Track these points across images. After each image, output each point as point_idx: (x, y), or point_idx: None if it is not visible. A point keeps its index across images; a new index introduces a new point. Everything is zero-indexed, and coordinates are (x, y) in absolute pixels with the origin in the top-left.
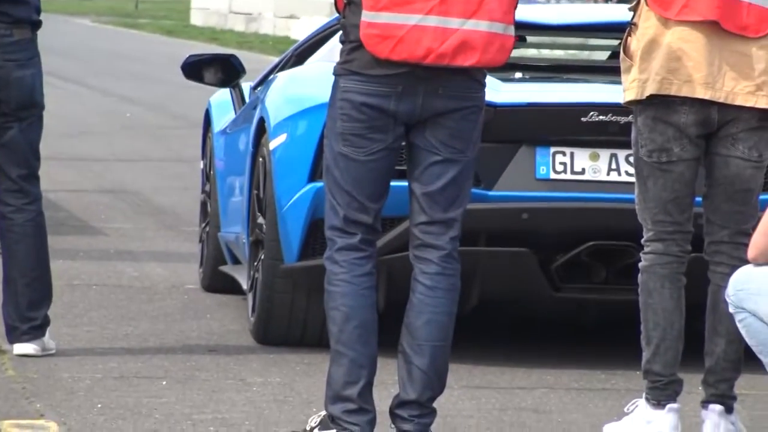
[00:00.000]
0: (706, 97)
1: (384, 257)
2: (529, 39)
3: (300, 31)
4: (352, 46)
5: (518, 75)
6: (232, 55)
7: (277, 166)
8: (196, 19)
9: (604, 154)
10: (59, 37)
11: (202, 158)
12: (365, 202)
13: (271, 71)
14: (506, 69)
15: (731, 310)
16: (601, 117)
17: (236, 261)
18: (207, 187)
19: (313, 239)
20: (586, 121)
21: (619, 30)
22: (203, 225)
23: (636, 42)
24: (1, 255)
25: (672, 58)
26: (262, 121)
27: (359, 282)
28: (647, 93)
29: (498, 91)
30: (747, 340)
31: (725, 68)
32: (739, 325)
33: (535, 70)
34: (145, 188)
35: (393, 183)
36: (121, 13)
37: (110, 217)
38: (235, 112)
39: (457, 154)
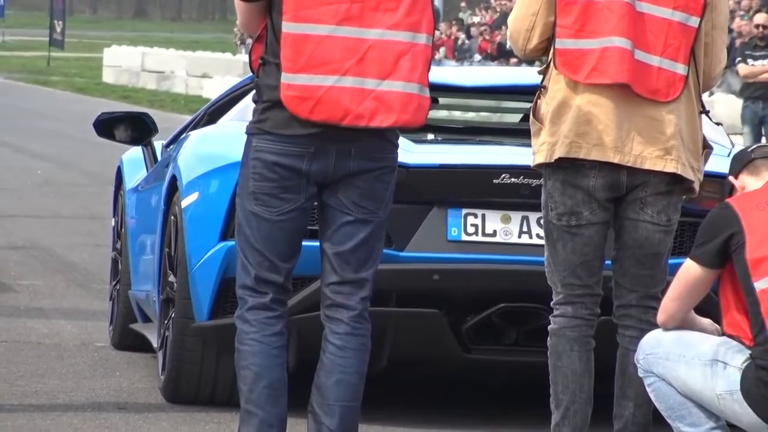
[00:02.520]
0: (615, 160)
1: (295, 317)
2: (442, 101)
3: (212, 90)
4: (266, 105)
5: (430, 136)
6: (145, 114)
7: (188, 225)
8: (108, 76)
9: (516, 216)
10: None
11: (114, 215)
12: (276, 261)
13: (184, 129)
14: (419, 131)
15: (641, 374)
16: (512, 179)
17: (147, 319)
18: (118, 245)
19: (224, 298)
20: (498, 183)
21: (531, 93)
22: (114, 283)
23: (545, 105)
24: None
25: (581, 122)
26: (174, 180)
27: (270, 341)
28: (556, 156)
29: (410, 153)
30: (656, 403)
31: (634, 132)
32: (648, 389)
33: (448, 132)
34: (56, 245)
35: (304, 243)
36: (33, 69)
37: (20, 274)
38: (147, 170)
39: (369, 215)
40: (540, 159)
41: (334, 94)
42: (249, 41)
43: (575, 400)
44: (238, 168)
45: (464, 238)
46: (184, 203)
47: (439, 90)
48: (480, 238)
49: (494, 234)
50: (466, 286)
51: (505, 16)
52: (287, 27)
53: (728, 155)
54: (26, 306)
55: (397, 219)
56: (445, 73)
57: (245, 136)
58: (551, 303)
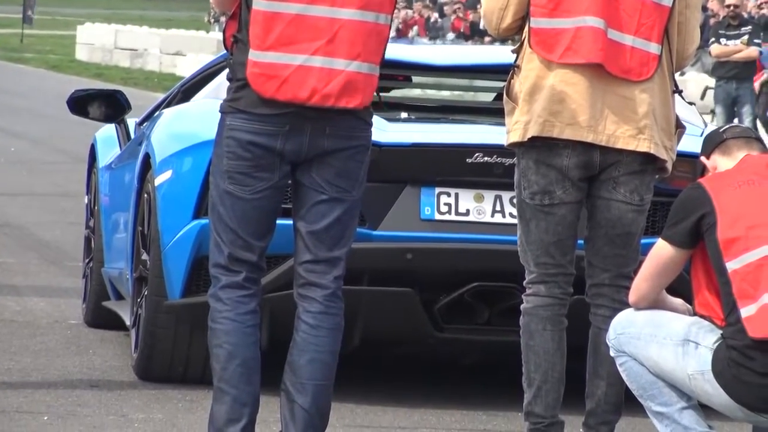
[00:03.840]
0: (588, 140)
1: (268, 295)
2: (415, 79)
3: (186, 68)
4: (239, 84)
5: (404, 115)
6: (118, 91)
7: (161, 203)
8: (82, 54)
9: (489, 195)
10: None
11: (87, 193)
12: (250, 240)
13: (157, 107)
14: (392, 109)
15: (612, 353)
16: (486, 158)
17: (120, 297)
18: (91, 223)
19: (197, 276)
20: (470, 163)
21: (504, 71)
22: (87, 260)
23: (519, 84)
24: None
25: (555, 101)
26: (147, 157)
27: (243, 320)
28: (529, 135)
29: (384, 131)
30: (628, 383)
31: (607, 111)
32: (620, 369)
33: (421, 110)
34: (29, 223)
35: (278, 221)
36: (6, 47)
37: None
38: (120, 148)
39: (343, 194)
40: (513, 138)
41: (302, 73)
42: (222, 19)
43: (547, 379)
44: (211, 146)
45: (437, 217)
46: (158, 181)
47: (412, 68)
48: (453, 217)
49: (467, 213)
50: (439, 265)
51: None
52: (258, 4)
53: (701, 135)
54: None
55: (370, 198)
56: (419, 51)
57: (218, 114)
58: (524, 282)
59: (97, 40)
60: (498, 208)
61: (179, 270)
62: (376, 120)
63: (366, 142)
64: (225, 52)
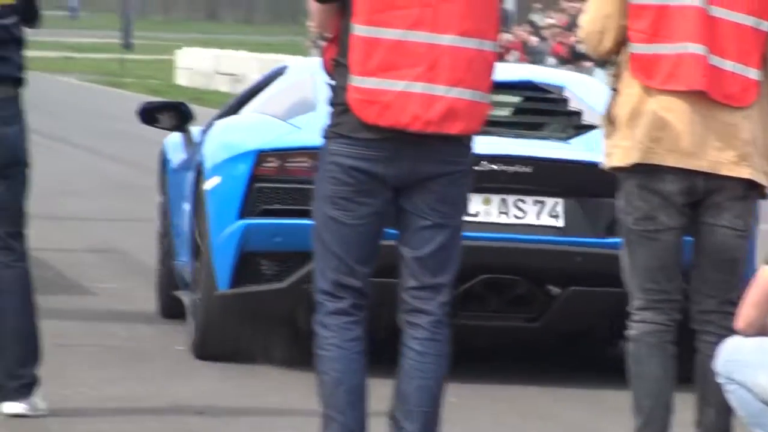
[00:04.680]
0: (691, 167)
1: (307, 286)
2: None
3: None
4: (341, 109)
5: None
6: (182, 103)
7: (210, 205)
8: (181, 79)
9: (495, 199)
10: (44, 95)
11: (160, 194)
12: (354, 265)
13: (216, 118)
14: None
15: (720, 380)
16: (492, 167)
17: (187, 287)
18: (163, 221)
19: (243, 270)
20: (479, 170)
21: (517, 88)
22: (159, 255)
23: (618, 108)
24: None
25: (656, 127)
26: (200, 164)
27: (349, 346)
28: (632, 161)
29: None
30: (737, 411)
31: (710, 138)
32: (729, 397)
33: None
34: (133, 247)
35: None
36: (106, 71)
37: (98, 277)
38: (185, 153)
39: (446, 219)
40: (615, 162)
41: (403, 99)
42: (322, 44)
43: (656, 405)
44: (253, 155)
45: None
46: (208, 186)
47: None
48: (465, 218)
49: (476, 214)
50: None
51: (575, 19)
52: (358, 29)
53: None
54: (105, 309)
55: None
56: None
57: (263, 125)
58: (629, 308)
59: (197, 65)
60: (503, 210)
61: (227, 264)
62: None
63: (467, 167)
64: (277, 67)
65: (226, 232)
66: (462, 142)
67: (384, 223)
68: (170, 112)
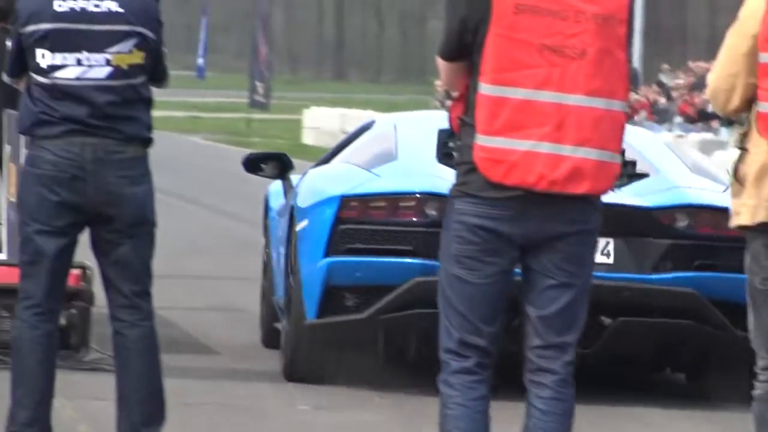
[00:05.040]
0: None
1: (383, 316)
2: None
3: None
4: (467, 168)
5: None
6: (284, 154)
7: (300, 245)
8: (308, 138)
9: None
10: (171, 155)
11: (263, 236)
12: (480, 325)
13: (312, 168)
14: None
15: None
16: None
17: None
18: (265, 261)
19: (328, 302)
20: None
21: None
22: (262, 292)
23: (746, 167)
24: (114, 371)
25: None
26: (292, 209)
27: (473, 405)
28: (759, 220)
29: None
30: None
31: None
32: None
33: None
34: (256, 306)
35: (391, 259)
36: (232, 131)
37: (222, 335)
38: (285, 199)
39: (572, 278)
40: (741, 221)
41: (529, 158)
42: (448, 103)
43: None
44: (337, 200)
45: None
46: (298, 227)
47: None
48: None
49: None
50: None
51: (702, 79)
52: (485, 88)
53: None
54: (228, 368)
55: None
56: None
57: (348, 174)
58: (755, 368)
59: (324, 124)
60: None
61: (314, 297)
62: (448, 171)
63: (594, 227)
64: (366, 122)
65: (314, 269)
66: (589, 201)
67: (509, 282)
68: (273, 162)
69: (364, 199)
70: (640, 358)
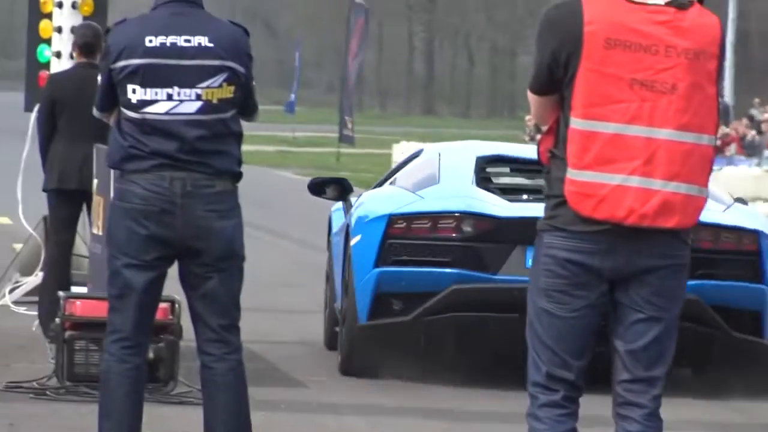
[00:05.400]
0: None
1: (426, 319)
2: (520, 169)
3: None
4: (557, 201)
5: (524, 197)
6: (344, 178)
7: (354, 257)
8: None
9: None
10: (260, 189)
11: (327, 251)
12: (568, 358)
13: (367, 190)
14: (507, 192)
15: None
16: None
17: None
18: (328, 273)
19: (377, 307)
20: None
21: None
22: (326, 300)
23: None
24: (202, 404)
25: None
26: (347, 226)
27: None
28: None
29: (502, 208)
30: None
31: None
32: None
33: (530, 192)
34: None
35: (424, 269)
36: (322, 165)
37: (310, 369)
38: (345, 219)
39: (661, 312)
40: None
41: (619, 193)
42: (539, 136)
43: None
44: (386, 219)
45: None
46: (352, 242)
47: (523, 163)
48: None
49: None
50: None
51: None
52: (575, 123)
53: None
54: (317, 402)
55: (491, 253)
56: (529, 150)
57: (396, 196)
58: None
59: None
60: None
61: (365, 302)
62: (498, 200)
63: (684, 261)
64: (416, 150)
65: (365, 278)
66: (677, 235)
67: (598, 316)
68: (334, 186)
69: (409, 217)
70: None
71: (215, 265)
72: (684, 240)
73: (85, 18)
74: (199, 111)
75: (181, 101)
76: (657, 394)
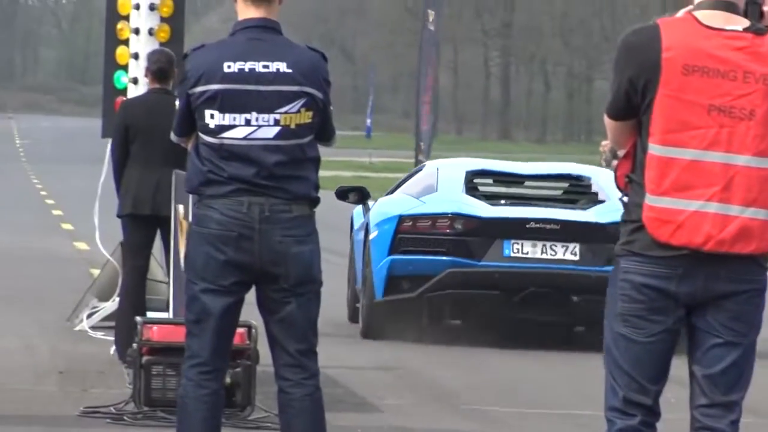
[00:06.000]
0: None
1: (428, 295)
2: (502, 181)
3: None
4: (634, 226)
5: (502, 202)
6: (363, 187)
7: (372, 248)
8: None
9: (539, 243)
10: (336, 214)
11: (350, 243)
12: (645, 383)
13: (381, 197)
14: (489, 198)
15: None
16: (536, 225)
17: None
18: (350, 261)
19: (390, 286)
20: (528, 227)
21: (561, 178)
22: (349, 282)
23: None
24: (279, 430)
25: None
26: (367, 224)
27: None
28: None
29: (485, 210)
30: None
31: None
32: None
33: (507, 198)
34: (419, 365)
35: (431, 257)
36: None
37: (386, 394)
38: (363, 218)
39: (739, 337)
40: None
41: (696, 219)
42: (615, 162)
43: None
44: (397, 218)
45: (512, 255)
46: (371, 237)
47: (502, 175)
48: (519, 255)
49: (527, 253)
50: (512, 280)
51: None
52: (653, 149)
53: None
54: (391, 426)
55: (477, 244)
56: (508, 165)
57: (403, 200)
58: None
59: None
60: (544, 251)
61: (380, 283)
62: (478, 203)
63: (762, 286)
64: (420, 165)
65: (381, 264)
66: (755, 260)
67: (675, 341)
68: (356, 193)
69: (415, 217)
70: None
71: (293, 290)
72: (762, 265)
73: (161, 44)
74: (278, 136)
75: (260, 126)
76: (735, 419)
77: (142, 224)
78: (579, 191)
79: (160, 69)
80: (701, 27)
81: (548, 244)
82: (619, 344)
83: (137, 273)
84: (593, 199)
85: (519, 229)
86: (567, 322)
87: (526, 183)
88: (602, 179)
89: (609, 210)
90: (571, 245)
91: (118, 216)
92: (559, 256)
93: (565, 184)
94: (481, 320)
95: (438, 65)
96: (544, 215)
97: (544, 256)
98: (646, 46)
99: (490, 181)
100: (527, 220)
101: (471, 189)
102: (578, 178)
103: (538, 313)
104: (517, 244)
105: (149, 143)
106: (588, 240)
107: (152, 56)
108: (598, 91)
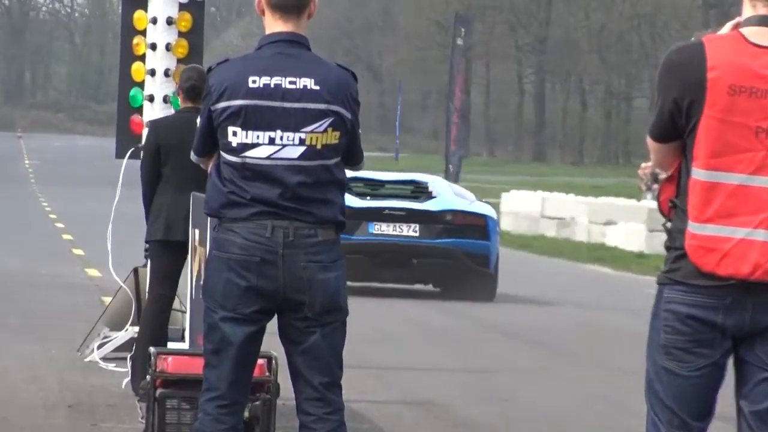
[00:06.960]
0: None
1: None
2: (370, 183)
3: (616, 238)
4: (678, 254)
5: (367, 198)
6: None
7: None
8: (506, 222)
9: (392, 224)
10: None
11: None
12: (688, 420)
13: None
14: (359, 195)
15: None
16: (390, 212)
17: None
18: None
19: None
20: (384, 213)
21: (407, 182)
22: None
23: None
24: None
25: None
26: None
27: None
28: None
29: (356, 202)
30: None
31: None
32: None
33: (372, 195)
34: (446, 399)
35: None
36: None
37: (414, 429)
38: None
39: None
40: None
41: (743, 247)
42: (655, 186)
43: None
44: None
45: (375, 232)
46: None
47: (369, 180)
48: (379, 232)
49: (384, 231)
50: (373, 248)
51: None
52: (697, 174)
53: None
54: None
55: (351, 224)
56: (372, 174)
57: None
58: None
59: (523, 208)
60: (395, 229)
61: None
62: (353, 199)
63: None
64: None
65: None
66: None
67: (721, 376)
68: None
69: None
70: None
71: (318, 320)
72: None
73: (178, 60)
74: (302, 156)
75: (284, 146)
76: None
77: (173, 250)
78: (419, 191)
79: (192, 87)
80: (748, 45)
81: (398, 224)
82: (661, 378)
83: (162, 302)
84: (429, 196)
85: (379, 215)
86: (409, 277)
87: (385, 185)
88: (436, 184)
89: (439, 202)
90: (413, 225)
91: (147, 241)
92: (405, 233)
93: (411, 186)
94: (352, 275)
95: (469, 83)
96: (396, 205)
97: (395, 232)
98: (690, 65)
99: (361, 183)
100: (384, 209)
101: (347, 189)
102: (420, 182)
103: (389, 271)
104: (378, 225)
105: (181, 165)
106: (424, 222)
107: (184, 73)
108: (637, 110)
